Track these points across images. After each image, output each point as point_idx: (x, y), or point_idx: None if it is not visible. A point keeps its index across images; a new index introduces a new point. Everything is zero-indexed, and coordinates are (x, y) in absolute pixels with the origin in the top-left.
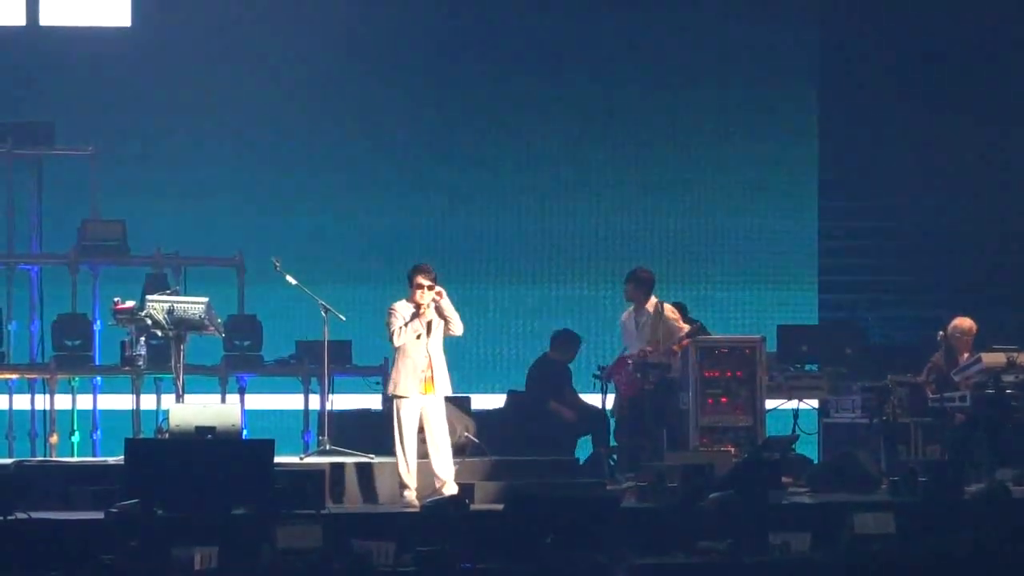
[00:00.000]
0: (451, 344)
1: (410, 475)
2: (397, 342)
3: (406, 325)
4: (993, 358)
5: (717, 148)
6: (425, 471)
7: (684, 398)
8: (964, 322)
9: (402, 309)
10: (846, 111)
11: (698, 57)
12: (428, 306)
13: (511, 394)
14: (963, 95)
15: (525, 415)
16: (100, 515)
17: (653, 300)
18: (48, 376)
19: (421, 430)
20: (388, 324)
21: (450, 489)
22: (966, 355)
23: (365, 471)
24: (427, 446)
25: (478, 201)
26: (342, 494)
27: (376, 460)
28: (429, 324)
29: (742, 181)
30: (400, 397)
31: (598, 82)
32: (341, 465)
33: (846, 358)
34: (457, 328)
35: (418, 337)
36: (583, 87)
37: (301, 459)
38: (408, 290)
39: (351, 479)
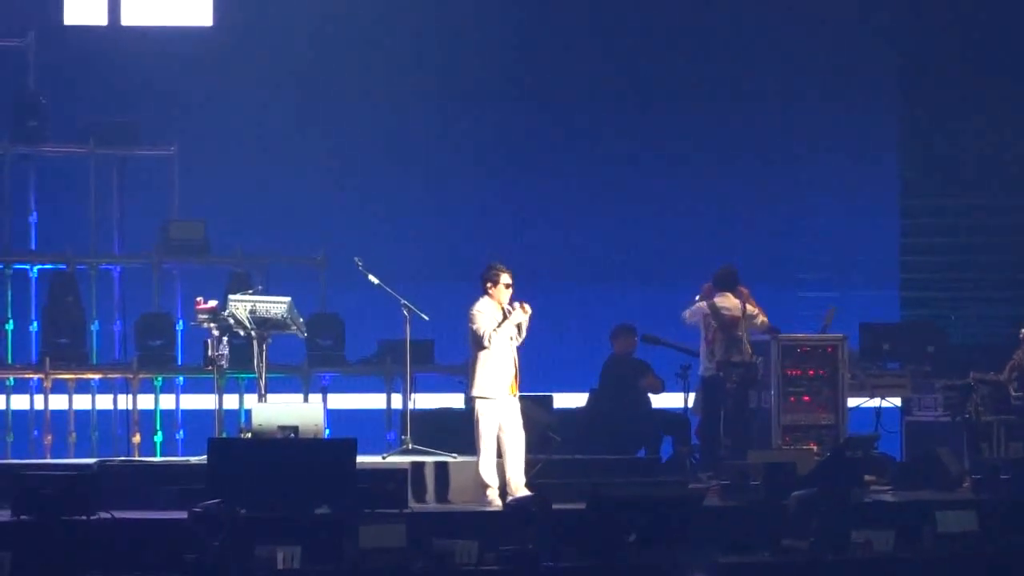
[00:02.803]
0: (534, 341)
1: (493, 475)
2: (490, 344)
3: (499, 326)
4: None
5: (797, 147)
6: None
7: (766, 397)
8: None
9: (488, 310)
10: (927, 109)
11: (776, 54)
12: (524, 308)
13: (593, 392)
14: None
15: (604, 415)
16: (183, 515)
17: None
18: (131, 376)
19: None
20: (477, 325)
21: (521, 492)
22: None
23: (447, 470)
24: (502, 447)
25: (553, 202)
26: (424, 493)
27: (458, 459)
28: (519, 326)
29: (824, 180)
30: (486, 398)
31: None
32: (423, 464)
33: (928, 356)
34: (522, 335)
35: (511, 339)
36: (658, 83)
37: (383, 458)
38: (484, 289)
39: (433, 478)
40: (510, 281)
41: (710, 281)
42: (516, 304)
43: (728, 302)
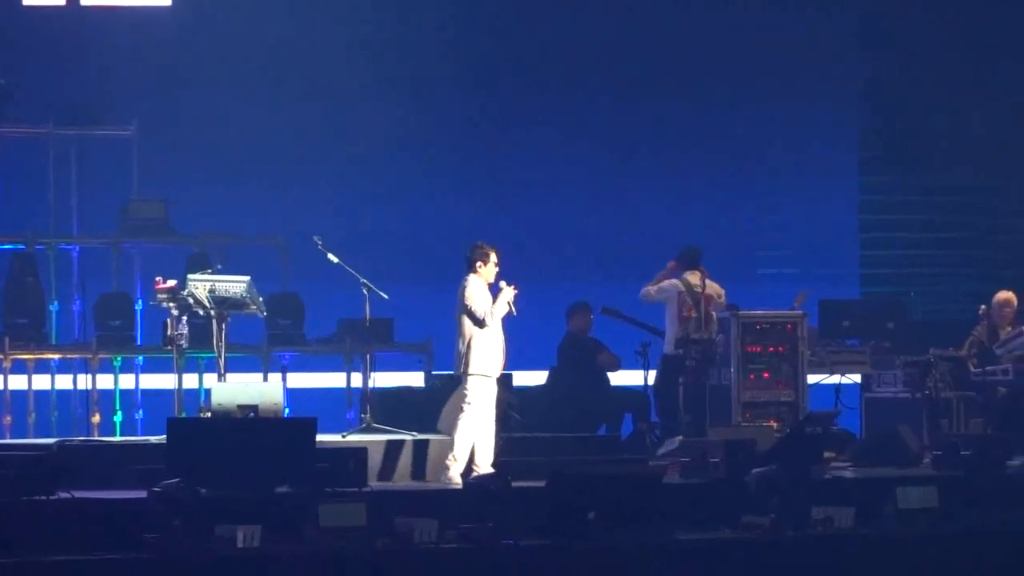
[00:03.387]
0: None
1: (467, 453)
2: (492, 322)
3: (495, 305)
4: None
5: (757, 125)
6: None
7: (725, 374)
8: (1004, 295)
9: (481, 289)
10: (888, 88)
11: (737, 36)
12: (515, 288)
13: (552, 371)
14: (1004, 71)
15: (564, 393)
16: (143, 494)
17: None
18: (90, 356)
19: None
20: (476, 305)
21: (487, 470)
22: (1008, 329)
23: (407, 449)
24: (483, 426)
25: (511, 183)
26: (385, 472)
27: (419, 437)
28: (510, 303)
29: (784, 159)
30: (484, 376)
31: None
32: (383, 443)
33: (887, 333)
34: (515, 312)
35: (506, 315)
36: (618, 72)
37: (343, 437)
38: (472, 268)
39: (393, 457)
40: (497, 260)
41: (675, 259)
42: (503, 283)
43: (697, 279)
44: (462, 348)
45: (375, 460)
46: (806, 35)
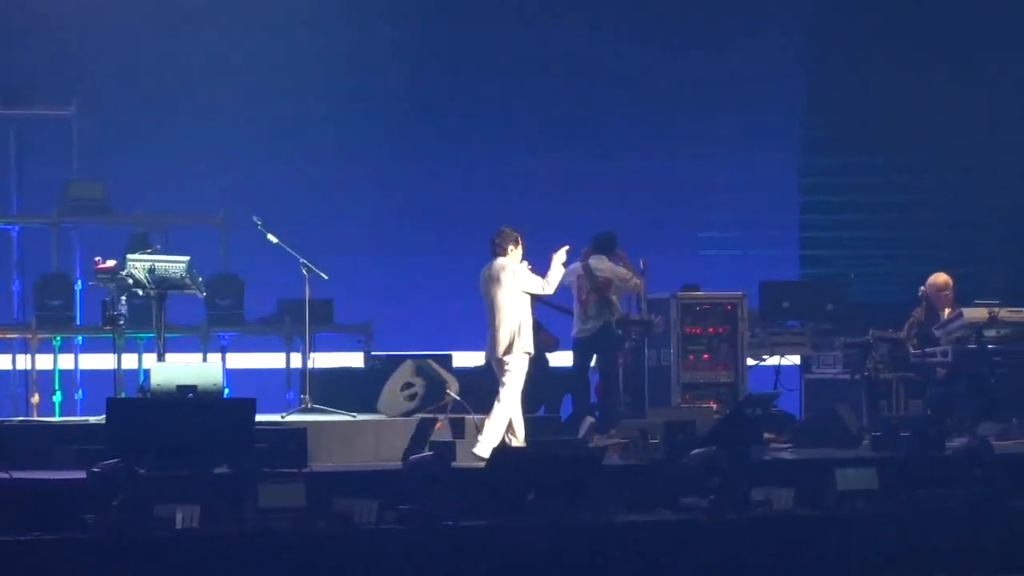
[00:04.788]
0: (435, 300)
1: (502, 430)
2: (552, 288)
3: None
4: (975, 313)
5: (698, 106)
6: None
7: (665, 354)
8: (940, 277)
9: (523, 265)
10: (831, 69)
11: (683, 10)
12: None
13: None
14: (947, 52)
15: None
16: (82, 474)
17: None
18: (29, 336)
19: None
20: (531, 278)
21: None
22: (947, 311)
23: (347, 429)
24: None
25: (457, 159)
26: (324, 452)
27: (358, 418)
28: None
29: (724, 140)
30: (529, 354)
31: (583, 36)
32: (323, 423)
33: (828, 314)
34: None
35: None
36: (569, 39)
37: (283, 417)
38: (505, 250)
39: (333, 437)
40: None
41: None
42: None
43: (602, 264)
44: (513, 328)
45: (314, 441)
46: (749, 19)
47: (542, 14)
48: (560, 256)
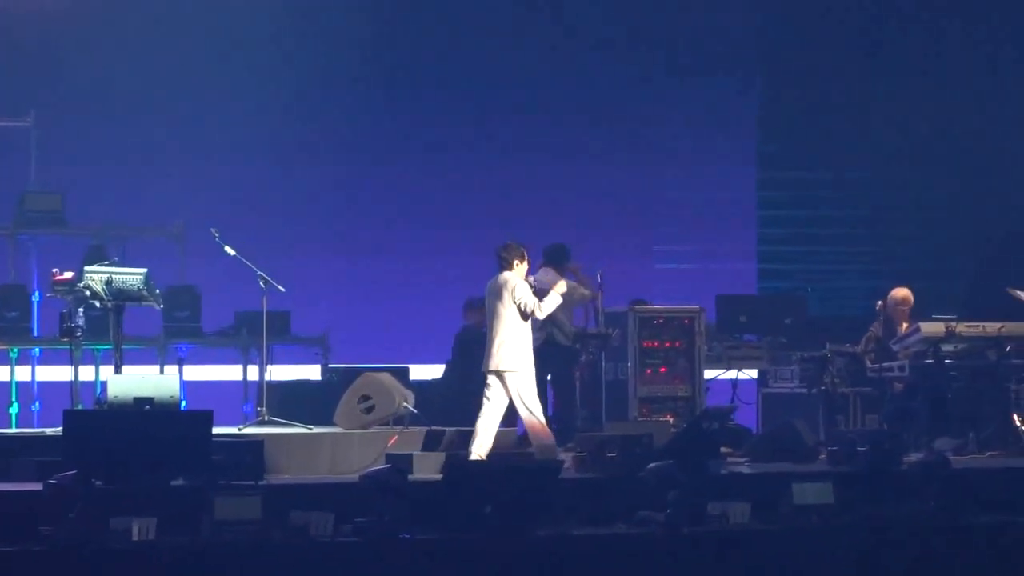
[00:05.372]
0: (392, 313)
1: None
2: (541, 316)
3: (544, 300)
4: (932, 328)
5: (655, 120)
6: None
7: (622, 368)
8: (901, 292)
9: (525, 283)
10: (786, 84)
11: (638, 25)
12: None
13: (448, 365)
14: (903, 67)
15: (460, 387)
16: (38, 486)
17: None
18: None
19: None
20: (529, 299)
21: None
22: (904, 325)
23: (304, 442)
24: (493, 419)
25: (414, 171)
26: (281, 465)
27: (315, 430)
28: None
29: (681, 154)
30: (518, 371)
31: (543, 49)
32: (280, 436)
33: (785, 328)
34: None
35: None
36: (530, 52)
37: (240, 430)
38: (511, 265)
39: (289, 450)
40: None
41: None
42: (530, 278)
43: (546, 277)
44: (510, 342)
45: (271, 453)
46: (705, 33)
47: (504, 25)
48: (560, 287)
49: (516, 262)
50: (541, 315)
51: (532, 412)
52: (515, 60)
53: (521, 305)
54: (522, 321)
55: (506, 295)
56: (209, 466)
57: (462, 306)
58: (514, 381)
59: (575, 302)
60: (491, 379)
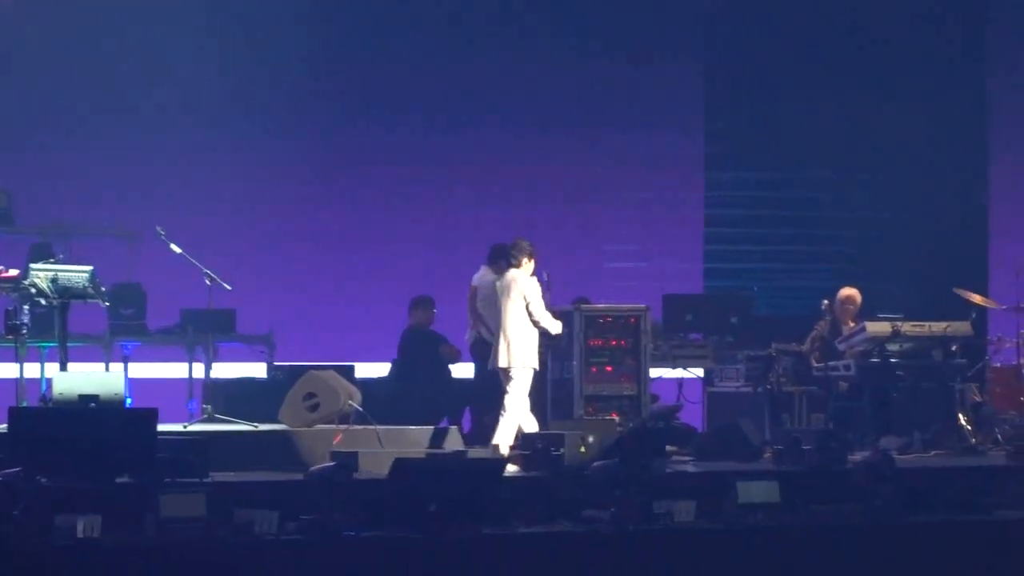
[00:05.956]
0: (337, 311)
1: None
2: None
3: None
4: (877, 327)
5: (602, 118)
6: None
7: (568, 367)
8: (847, 291)
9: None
10: (732, 83)
11: (583, 27)
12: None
13: (394, 363)
14: (849, 68)
15: (406, 385)
16: None
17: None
18: None
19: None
20: (537, 302)
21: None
22: (851, 324)
23: (249, 440)
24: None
25: (359, 170)
26: (225, 463)
27: (260, 428)
28: None
29: (628, 152)
30: (535, 369)
31: (488, 49)
32: (225, 434)
33: (731, 327)
34: None
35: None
36: (474, 52)
37: (185, 428)
38: (519, 262)
39: (235, 448)
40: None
41: None
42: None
43: (487, 276)
44: (518, 340)
45: (216, 451)
46: (649, 34)
47: (446, 26)
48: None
49: (524, 260)
50: (540, 322)
51: (511, 412)
52: (461, 61)
53: (529, 303)
54: (530, 319)
55: (515, 293)
56: (154, 464)
57: (408, 305)
58: (520, 376)
59: None
60: (501, 376)
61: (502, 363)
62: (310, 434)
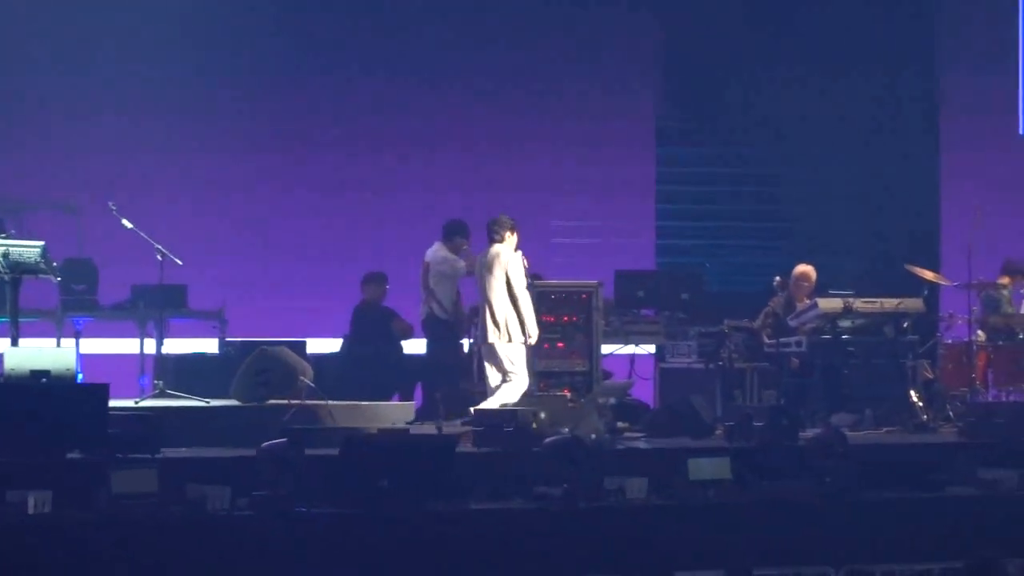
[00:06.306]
0: (289, 287)
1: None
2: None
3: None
4: (829, 303)
5: (554, 94)
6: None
7: None
8: (802, 268)
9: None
10: (684, 59)
11: (532, 7)
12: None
13: (346, 339)
14: (801, 45)
15: (357, 361)
16: None
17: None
18: None
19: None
20: (519, 279)
21: None
22: (805, 301)
23: (201, 415)
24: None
25: (312, 147)
26: (177, 438)
27: (212, 403)
28: None
29: (581, 127)
30: (523, 343)
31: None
32: (177, 409)
33: (683, 303)
34: None
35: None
36: (423, 33)
37: (136, 403)
38: (503, 237)
39: (186, 423)
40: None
41: None
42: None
43: (439, 252)
44: (502, 315)
45: (168, 427)
46: (602, 8)
47: (389, 5)
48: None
49: (507, 234)
50: (519, 300)
51: (516, 385)
52: (409, 41)
53: (511, 277)
54: (508, 295)
55: (497, 269)
56: (105, 439)
57: (360, 280)
58: (507, 352)
59: (457, 277)
60: (485, 350)
61: (491, 338)
62: (262, 410)
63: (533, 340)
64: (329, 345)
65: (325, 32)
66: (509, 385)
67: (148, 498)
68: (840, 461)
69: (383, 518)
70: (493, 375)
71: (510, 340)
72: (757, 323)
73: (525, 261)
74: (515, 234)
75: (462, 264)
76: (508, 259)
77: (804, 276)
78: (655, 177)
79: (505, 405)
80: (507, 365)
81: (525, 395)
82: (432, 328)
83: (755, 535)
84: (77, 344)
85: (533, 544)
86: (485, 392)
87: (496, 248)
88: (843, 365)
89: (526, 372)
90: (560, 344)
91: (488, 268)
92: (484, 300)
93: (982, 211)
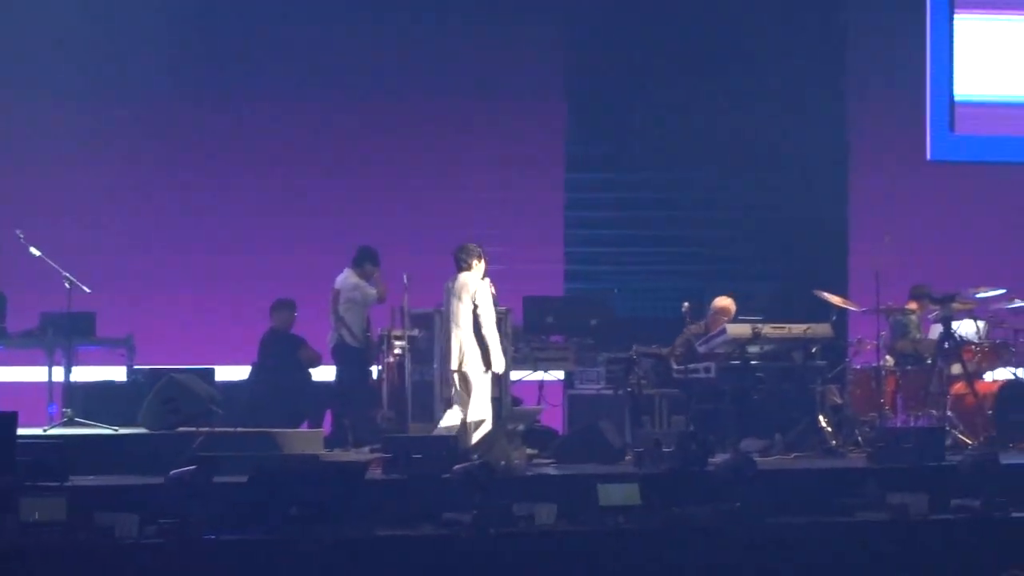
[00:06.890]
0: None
1: None
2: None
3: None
4: (738, 329)
5: (462, 119)
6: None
7: (428, 370)
8: (722, 301)
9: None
10: (593, 84)
11: (440, 25)
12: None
13: (254, 366)
14: (711, 71)
15: (266, 388)
16: None
17: None
18: None
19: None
20: (487, 308)
21: None
22: None
23: (109, 443)
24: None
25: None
26: (85, 466)
27: (120, 431)
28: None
29: (488, 152)
30: (485, 372)
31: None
32: (85, 437)
33: (592, 329)
34: None
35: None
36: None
37: (44, 431)
38: (470, 266)
39: (95, 451)
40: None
41: None
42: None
43: (350, 279)
44: (467, 343)
45: (76, 454)
46: (511, 29)
47: (304, 18)
48: None
49: (475, 262)
50: (485, 330)
51: (482, 411)
52: (322, 58)
53: (478, 309)
54: (479, 323)
55: (465, 296)
56: (13, 467)
57: (269, 307)
58: (477, 380)
59: (368, 304)
60: (456, 378)
61: (456, 365)
62: (170, 437)
63: (499, 370)
64: (237, 372)
65: (229, 54)
66: (453, 412)
67: (56, 526)
68: (750, 486)
69: (292, 545)
70: (460, 401)
71: (473, 368)
72: (669, 350)
73: (492, 288)
74: (483, 261)
75: (373, 291)
76: (476, 288)
77: (723, 311)
78: (564, 202)
79: (450, 430)
80: (465, 393)
81: (487, 433)
82: (342, 355)
83: (665, 561)
84: None
85: (442, 571)
86: (394, 419)
87: (464, 277)
88: (752, 391)
89: (488, 403)
90: None
91: (456, 295)
92: (450, 327)
93: (891, 236)
